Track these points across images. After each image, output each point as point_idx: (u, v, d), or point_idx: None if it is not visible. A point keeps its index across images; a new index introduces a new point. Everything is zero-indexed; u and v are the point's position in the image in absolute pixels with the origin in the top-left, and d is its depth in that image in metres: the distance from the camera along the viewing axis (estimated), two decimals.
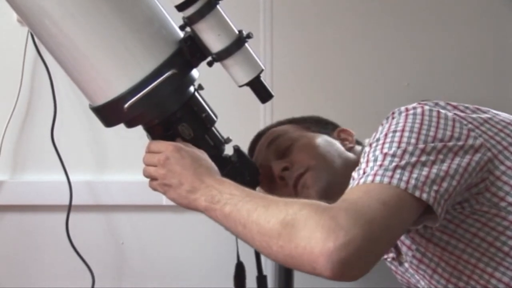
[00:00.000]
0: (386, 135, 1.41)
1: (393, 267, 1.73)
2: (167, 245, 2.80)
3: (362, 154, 1.43)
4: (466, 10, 2.69)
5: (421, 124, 1.42)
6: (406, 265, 1.61)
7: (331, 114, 2.84)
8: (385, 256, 1.67)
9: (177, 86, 1.43)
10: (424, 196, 1.29)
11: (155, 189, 1.51)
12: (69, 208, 2.55)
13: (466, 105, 1.53)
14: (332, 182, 1.60)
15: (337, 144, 1.71)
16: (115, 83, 1.41)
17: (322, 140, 1.69)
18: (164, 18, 1.46)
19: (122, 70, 1.41)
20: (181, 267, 2.81)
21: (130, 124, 1.49)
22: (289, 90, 2.74)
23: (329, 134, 1.76)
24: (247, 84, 1.45)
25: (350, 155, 1.69)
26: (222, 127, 1.53)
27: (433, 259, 1.50)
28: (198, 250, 2.82)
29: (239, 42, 1.43)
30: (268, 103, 1.59)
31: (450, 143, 1.38)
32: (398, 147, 1.37)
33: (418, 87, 2.74)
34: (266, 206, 1.29)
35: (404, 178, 1.30)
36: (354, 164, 1.50)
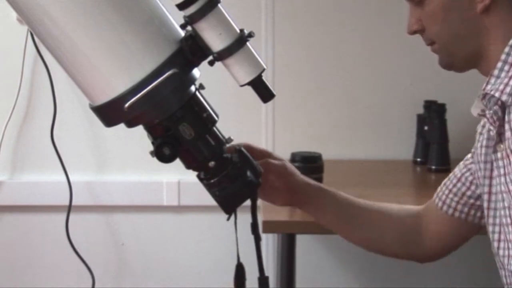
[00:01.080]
0: None
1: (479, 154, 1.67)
2: (167, 245, 2.80)
3: None
4: None
5: None
6: (499, 155, 1.56)
7: (333, 113, 2.84)
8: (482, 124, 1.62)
9: (178, 85, 1.42)
10: None
11: None
12: (69, 208, 2.56)
13: None
14: (459, 55, 1.56)
15: (469, 2, 1.55)
16: (115, 82, 1.40)
17: (454, 1, 1.55)
18: (165, 17, 1.46)
19: (122, 69, 1.40)
20: (181, 268, 2.81)
21: (130, 123, 1.47)
22: (291, 89, 2.73)
23: None
24: (249, 84, 1.44)
25: (483, 22, 1.54)
26: (223, 127, 1.52)
27: None
28: (198, 251, 2.82)
29: (240, 41, 1.41)
30: (270, 103, 1.58)
31: None
32: None
33: (422, 87, 2.74)
34: None
35: None
36: (489, 30, 1.49)
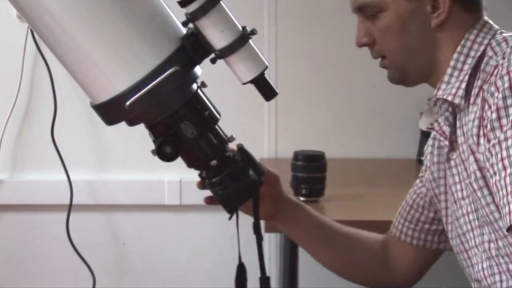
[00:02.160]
0: None
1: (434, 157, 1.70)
2: (169, 245, 2.80)
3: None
4: None
5: None
6: (452, 163, 1.58)
7: (336, 111, 2.83)
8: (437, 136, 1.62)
9: (179, 83, 1.41)
10: None
11: None
12: (70, 207, 2.56)
13: None
14: (412, 70, 1.59)
15: (425, 18, 1.55)
16: (116, 80, 1.40)
17: (410, 17, 1.55)
18: (167, 14, 1.45)
19: (124, 67, 1.40)
20: (182, 267, 2.80)
21: (131, 122, 1.47)
22: (293, 87, 2.73)
23: None
24: (251, 82, 1.43)
25: (436, 37, 1.55)
26: (225, 126, 1.51)
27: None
28: (200, 251, 2.81)
29: (243, 38, 1.41)
30: (272, 101, 1.57)
31: None
32: None
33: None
34: None
35: None
36: (441, 45, 1.53)
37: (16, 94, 2.63)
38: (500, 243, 1.50)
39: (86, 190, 2.69)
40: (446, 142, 1.57)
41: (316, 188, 2.24)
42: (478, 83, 1.50)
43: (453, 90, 1.51)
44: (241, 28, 1.42)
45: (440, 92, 1.54)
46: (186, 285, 2.77)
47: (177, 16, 1.45)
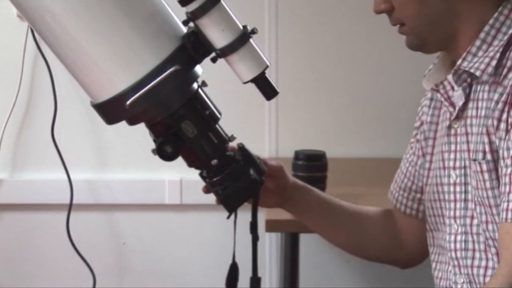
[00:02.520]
0: None
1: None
2: (169, 244, 2.79)
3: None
4: None
5: None
6: (453, 131, 1.57)
7: (338, 110, 2.83)
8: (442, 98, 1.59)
9: (180, 82, 1.41)
10: None
11: None
12: (70, 207, 2.56)
13: None
14: (431, 38, 1.56)
15: None
16: (117, 79, 1.40)
17: None
18: (167, 13, 1.45)
19: (124, 66, 1.40)
20: (182, 267, 2.80)
21: (132, 121, 1.47)
22: (294, 86, 2.72)
23: None
24: (252, 81, 1.43)
25: (458, 4, 1.54)
26: (226, 125, 1.50)
27: None
28: (200, 250, 2.81)
29: (243, 37, 1.41)
30: (273, 100, 1.57)
31: None
32: None
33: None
34: None
35: None
36: (463, 13, 1.50)
37: (16, 94, 2.63)
38: (490, 227, 1.50)
39: (86, 190, 2.68)
40: (452, 110, 1.56)
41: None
42: (508, 63, 1.48)
43: (482, 66, 1.49)
44: (241, 27, 1.42)
45: (465, 64, 1.51)
46: (186, 285, 2.76)
47: (177, 15, 1.45)
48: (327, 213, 1.78)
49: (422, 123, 1.71)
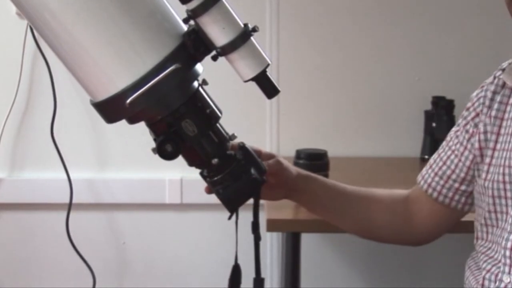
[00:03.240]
0: None
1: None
2: (169, 244, 2.79)
3: None
4: (476, 4, 2.67)
5: None
6: None
7: (339, 109, 2.82)
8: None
9: (180, 81, 1.41)
10: None
11: None
12: (70, 206, 2.55)
13: None
14: None
15: None
16: (117, 78, 1.40)
17: None
18: (167, 11, 1.44)
19: (124, 65, 1.40)
20: (183, 267, 2.80)
21: (132, 120, 1.46)
22: (295, 85, 2.72)
23: None
24: (253, 79, 1.43)
25: None
26: (227, 124, 1.50)
27: None
28: (201, 250, 2.81)
29: (244, 35, 1.40)
30: (274, 99, 1.57)
31: None
32: None
33: (429, 82, 2.72)
34: None
35: None
36: None
37: (15, 92, 2.62)
38: None
39: (86, 189, 2.68)
40: None
41: None
42: None
43: None
44: (242, 25, 1.41)
45: None
46: (186, 285, 2.76)
47: (177, 13, 1.44)
48: (335, 200, 1.78)
49: (477, 115, 1.70)
